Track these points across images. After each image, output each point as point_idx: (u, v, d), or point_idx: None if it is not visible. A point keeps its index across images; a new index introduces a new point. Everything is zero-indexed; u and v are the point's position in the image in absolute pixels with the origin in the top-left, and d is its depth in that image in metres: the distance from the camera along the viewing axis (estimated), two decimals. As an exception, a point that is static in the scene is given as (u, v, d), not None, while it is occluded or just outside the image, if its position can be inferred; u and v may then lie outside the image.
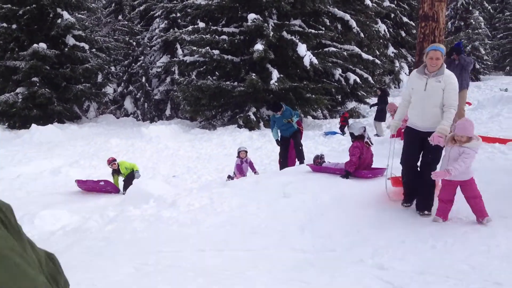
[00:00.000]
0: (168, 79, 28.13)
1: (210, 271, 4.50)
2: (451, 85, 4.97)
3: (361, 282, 3.94)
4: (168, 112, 28.02)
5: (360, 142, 7.39)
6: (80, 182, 11.82)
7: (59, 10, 21.59)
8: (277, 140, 11.08)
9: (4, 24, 20.85)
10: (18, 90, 20.26)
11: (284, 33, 19.40)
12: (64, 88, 21.50)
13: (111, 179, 12.16)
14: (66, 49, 21.57)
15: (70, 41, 21.68)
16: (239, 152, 11.39)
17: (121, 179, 12.14)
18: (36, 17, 21.40)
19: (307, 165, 8.31)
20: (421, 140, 5.13)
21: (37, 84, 20.17)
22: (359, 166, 7.34)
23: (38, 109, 20.36)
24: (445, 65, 5.07)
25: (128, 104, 28.88)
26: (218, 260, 4.75)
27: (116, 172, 12.02)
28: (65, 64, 21.63)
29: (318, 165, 8.17)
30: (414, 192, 5.41)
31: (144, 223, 6.28)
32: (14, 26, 20.83)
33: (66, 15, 21.32)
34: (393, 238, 4.80)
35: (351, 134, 7.75)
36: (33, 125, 18.68)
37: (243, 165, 11.36)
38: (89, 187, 11.88)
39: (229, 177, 11.35)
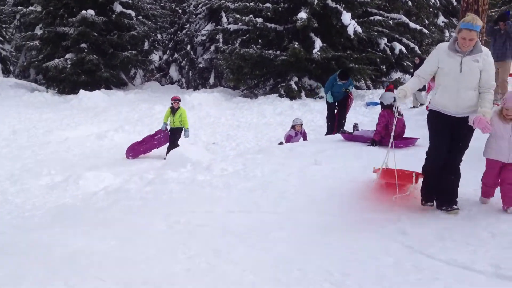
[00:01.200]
0: (213, 47, 28.26)
1: (238, 231, 4.68)
2: (491, 64, 4.51)
3: (382, 245, 4.03)
4: (212, 80, 28.27)
5: (388, 112, 7.47)
6: (132, 151, 12.17)
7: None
8: (332, 103, 11.30)
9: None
10: (67, 56, 20.87)
11: (329, 1, 19.07)
12: (111, 55, 22.00)
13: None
14: (113, 16, 21.95)
15: (117, 8, 22.04)
16: (294, 125, 11.11)
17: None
18: (85, -17, 21.82)
19: (339, 134, 8.38)
20: (452, 127, 4.61)
21: (85, 50, 20.72)
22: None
23: (86, 75, 20.96)
24: (479, 41, 4.54)
25: (173, 71, 29.30)
26: (246, 221, 4.92)
27: (172, 110, 12.27)
28: (112, 31, 22.06)
29: (350, 134, 8.24)
30: (436, 188, 4.80)
31: (179, 185, 6.52)
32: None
33: (113, -19, 21.64)
34: (417, 206, 4.84)
35: (381, 103, 7.83)
36: (81, 91, 19.28)
37: (297, 137, 11.34)
38: (143, 148, 12.26)
39: (281, 143, 11.39)
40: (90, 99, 18.64)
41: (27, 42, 22.08)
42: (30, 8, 22.72)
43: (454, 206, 4.65)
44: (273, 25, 19.82)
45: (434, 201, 4.83)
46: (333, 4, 19.06)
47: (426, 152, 4.84)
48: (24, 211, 8.13)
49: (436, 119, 4.70)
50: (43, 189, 9.54)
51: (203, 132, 14.48)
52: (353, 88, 11.63)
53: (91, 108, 17.84)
